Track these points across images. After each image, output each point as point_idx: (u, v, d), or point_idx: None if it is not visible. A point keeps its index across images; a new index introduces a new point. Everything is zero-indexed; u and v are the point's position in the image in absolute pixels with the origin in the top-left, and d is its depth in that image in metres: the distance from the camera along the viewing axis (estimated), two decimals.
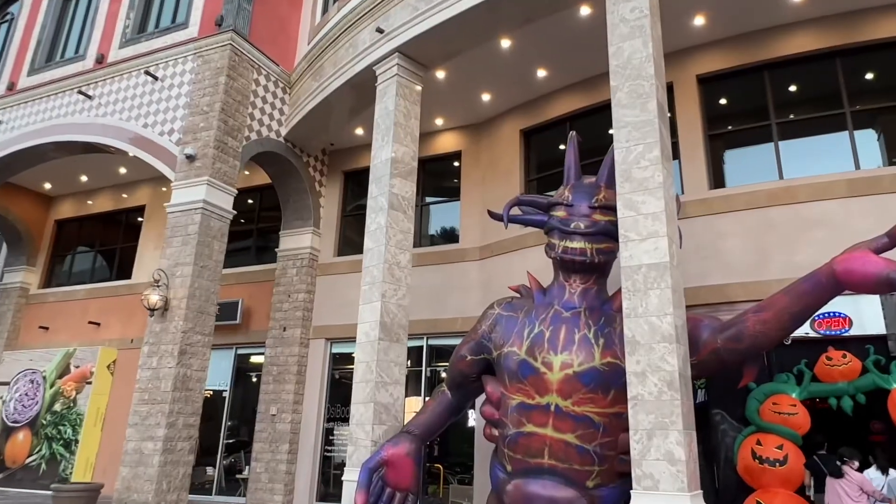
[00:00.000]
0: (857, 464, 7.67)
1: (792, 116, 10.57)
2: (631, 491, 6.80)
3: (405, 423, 9.87)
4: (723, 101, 11.30)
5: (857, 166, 9.76)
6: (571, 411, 7.91)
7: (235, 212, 13.17)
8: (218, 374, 15.67)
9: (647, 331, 7.20)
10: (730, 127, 11.16)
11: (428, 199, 15.14)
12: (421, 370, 13.33)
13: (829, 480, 8.23)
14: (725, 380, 8.99)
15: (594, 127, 11.85)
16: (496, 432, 8.51)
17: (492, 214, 9.52)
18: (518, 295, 9.35)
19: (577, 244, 8.52)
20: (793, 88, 10.79)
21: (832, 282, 6.75)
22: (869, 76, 10.25)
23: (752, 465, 8.27)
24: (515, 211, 9.40)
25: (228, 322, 15.44)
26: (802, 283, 7.09)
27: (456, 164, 14.72)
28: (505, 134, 13.75)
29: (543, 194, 10.45)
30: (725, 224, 10.18)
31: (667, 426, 6.81)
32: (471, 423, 12.36)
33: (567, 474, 7.77)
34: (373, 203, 10.92)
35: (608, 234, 8.49)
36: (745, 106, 11.09)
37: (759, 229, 9.87)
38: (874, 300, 8.97)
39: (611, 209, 8.41)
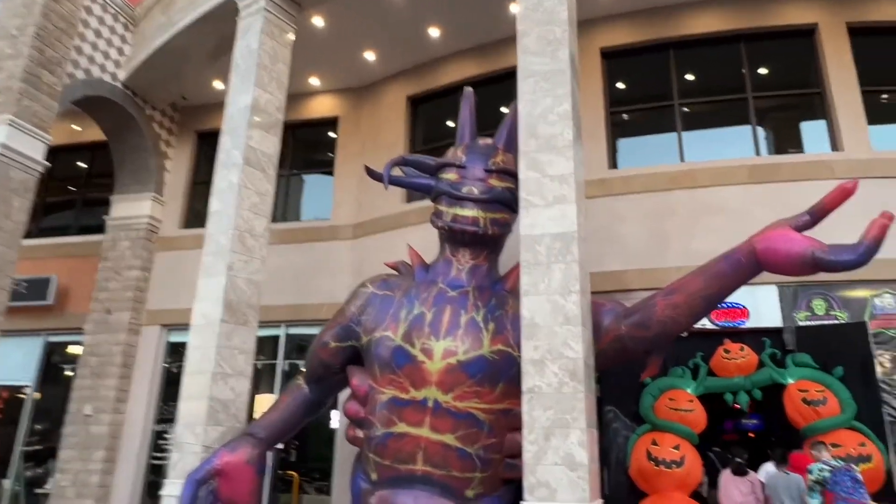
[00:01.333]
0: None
1: (695, 99, 10.12)
2: (521, 503, 5.57)
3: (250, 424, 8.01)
4: (626, 78, 10.66)
5: (758, 153, 9.42)
6: (452, 407, 6.59)
7: (49, 164, 10.55)
8: (17, 368, 12.65)
9: (548, 311, 6.06)
10: (632, 106, 10.52)
11: (297, 171, 13.28)
12: (277, 363, 11.43)
13: (726, 478, 7.67)
14: (621, 373, 8.13)
15: (490, 98, 10.71)
16: (361, 434, 6.98)
17: (370, 172, 8.00)
18: (396, 273, 7.90)
19: (468, 212, 7.25)
20: (697, 70, 10.37)
21: (752, 262, 5.99)
22: (770, 64, 10.01)
23: (647, 468, 7.41)
24: (398, 172, 7.95)
25: (36, 303, 12.54)
26: (719, 263, 6.30)
27: (332, 133, 13.01)
28: (390, 100, 12.29)
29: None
30: (624, 207, 9.43)
31: (568, 423, 5.67)
32: (333, 423, 10.66)
33: (444, 483, 6.42)
34: (225, 157, 8.97)
35: (505, 203, 7.31)
36: (648, 84, 10.53)
37: (658, 214, 9.21)
38: (771, 291, 8.55)
39: (509, 175, 7.24)
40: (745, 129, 9.60)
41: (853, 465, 5.88)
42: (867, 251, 5.31)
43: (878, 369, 7.76)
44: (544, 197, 6.46)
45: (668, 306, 6.56)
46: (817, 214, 6.00)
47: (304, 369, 8.14)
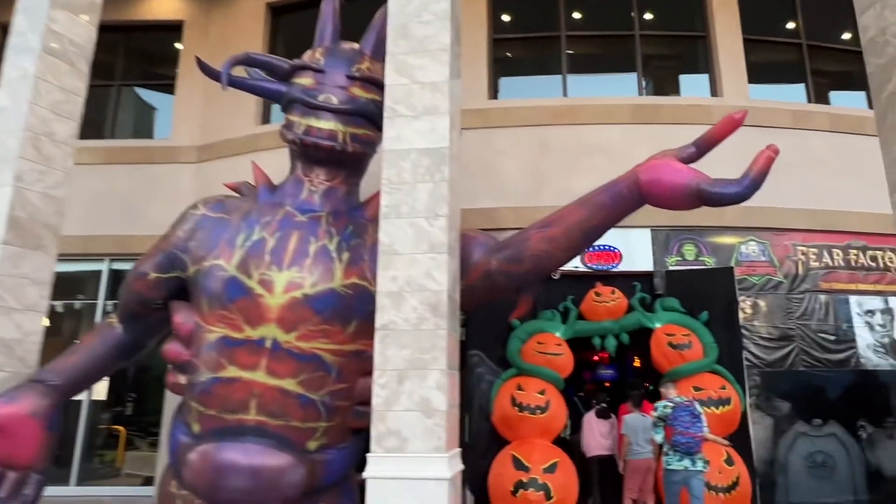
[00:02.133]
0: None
1: (582, 32, 9.53)
2: (367, 455, 4.75)
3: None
4: (512, 10, 9.85)
5: (641, 92, 9.07)
6: (295, 348, 5.60)
7: None
8: None
9: (410, 237, 5.20)
10: (517, 35, 9.76)
11: (131, 82, 11.26)
12: (97, 303, 9.71)
13: (589, 418, 7.46)
14: (488, 316, 7.52)
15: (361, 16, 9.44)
16: (183, 380, 5.78)
17: (203, 67, 6.61)
18: (237, 195, 6.66)
19: (325, 124, 6.18)
20: (586, 8, 9.77)
21: (635, 194, 5.49)
22: (657, 8, 9.65)
23: (511, 414, 6.90)
24: (241, 72, 6.62)
25: None
26: (600, 194, 5.75)
27: (177, 43, 11.10)
28: (247, 7, 10.63)
29: None
30: (502, 140, 8.74)
31: (426, 364, 4.89)
32: None
33: (281, 434, 5.46)
34: (18, 42, 7.05)
35: (368, 118, 6.30)
36: (535, 19, 9.78)
37: (537, 150, 8.62)
38: (644, 235, 8.29)
39: (376, 86, 6.22)
40: (631, 76, 9.21)
41: (693, 401, 5.86)
42: (753, 183, 4.97)
43: (740, 315, 7.76)
44: (413, 107, 5.52)
45: (544, 240, 5.95)
46: (703, 146, 5.58)
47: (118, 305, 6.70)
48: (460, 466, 5.09)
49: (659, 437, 5.62)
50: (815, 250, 8.30)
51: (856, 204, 8.45)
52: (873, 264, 8.38)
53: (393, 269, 5.15)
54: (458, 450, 5.12)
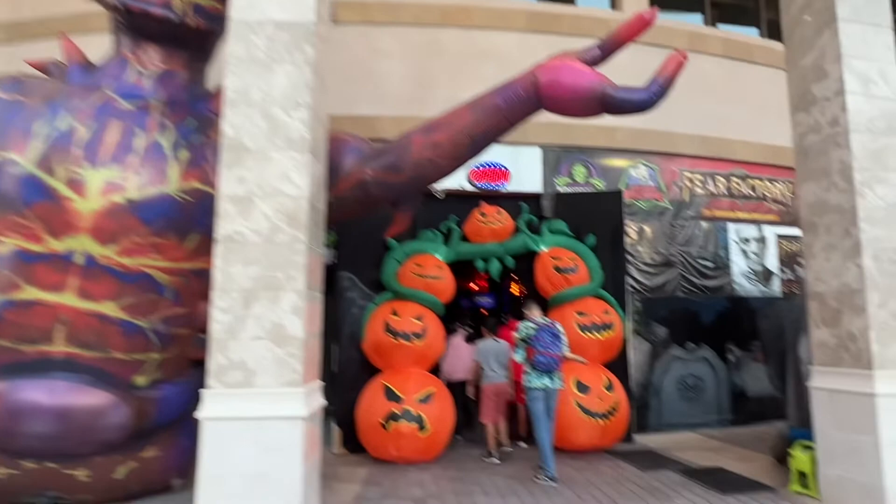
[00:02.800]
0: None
1: None
2: (203, 390, 3.93)
3: None
4: None
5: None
6: (116, 266, 4.60)
7: None
8: None
9: (263, 130, 4.27)
10: None
11: None
12: None
13: (456, 346, 7.03)
14: (361, 234, 6.73)
15: None
16: None
17: None
18: (42, 75, 5.29)
19: None
20: None
21: (532, 96, 4.88)
22: None
23: (385, 341, 6.27)
24: None
25: None
26: (492, 97, 5.08)
27: None
28: None
29: None
30: (385, 40, 7.72)
31: (280, 284, 4.06)
32: None
33: (98, 368, 4.49)
34: None
35: None
36: None
37: (424, 52, 7.72)
38: (534, 154, 7.75)
39: None
40: None
41: (556, 323, 5.66)
42: (661, 90, 4.52)
43: (625, 240, 7.53)
44: None
45: (427, 146, 5.21)
46: (609, 47, 5.01)
47: None
48: (320, 402, 4.38)
49: (520, 357, 5.48)
50: (700, 177, 8.20)
51: (741, 132, 8.40)
52: (752, 193, 8.45)
53: (240, 167, 4.17)
54: (317, 383, 4.40)
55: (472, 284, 18.21)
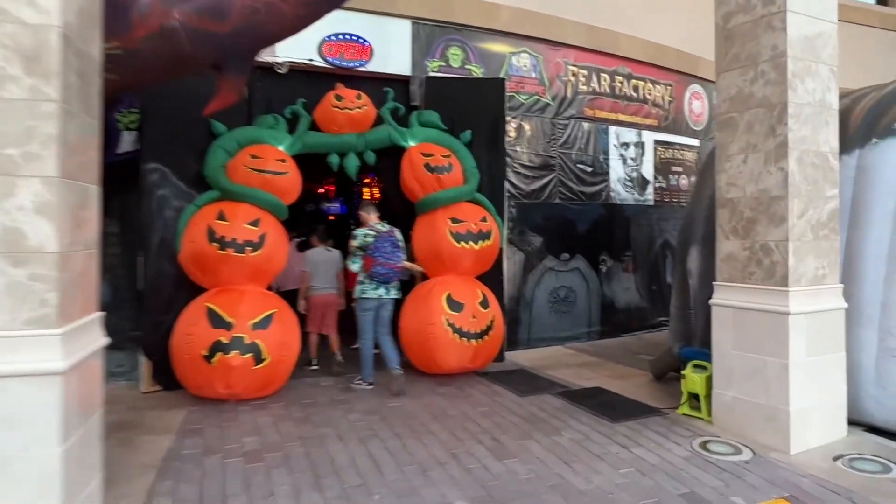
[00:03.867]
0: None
1: None
2: None
3: None
4: None
5: None
6: None
7: None
8: None
9: None
10: None
11: None
12: None
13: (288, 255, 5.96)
14: (172, 110, 5.08)
15: None
16: None
17: None
18: None
19: None
20: None
21: None
22: None
23: (208, 252, 4.86)
24: None
25: None
26: None
27: None
28: None
29: None
30: None
31: (12, 167, 2.53)
32: None
33: None
34: None
35: None
36: None
37: None
38: (404, 28, 6.36)
39: None
40: None
41: (395, 230, 5.27)
42: None
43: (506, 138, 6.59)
44: None
45: None
46: None
47: None
48: (99, 342, 3.01)
49: (356, 266, 5.14)
50: (585, 72, 7.37)
51: (629, 26, 7.63)
52: (634, 94, 7.84)
53: None
54: (94, 317, 2.99)
55: (318, 189, 16.68)
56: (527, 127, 6.93)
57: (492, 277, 6.09)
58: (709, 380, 4.42)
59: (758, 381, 3.99)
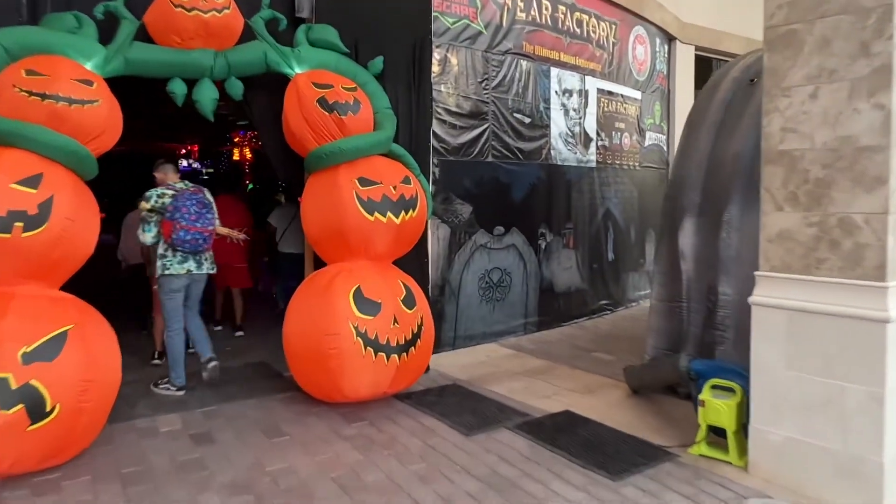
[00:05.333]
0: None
1: None
2: None
3: None
4: None
5: None
6: None
7: None
8: None
9: None
10: None
11: None
12: None
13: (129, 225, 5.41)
14: None
15: None
16: None
17: None
18: None
19: None
20: None
21: None
22: None
23: None
24: None
25: None
26: None
27: None
28: None
29: None
30: None
31: None
32: None
33: None
34: None
35: None
36: None
37: None
38: None
39: None
40: None
41: (203, 188, 4.39)
42: None
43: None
44: None
45: None
46: None
47: None
48: None
49: (150, 237, 4.21)
50: None
51: None
52: (577, 31, 6.38)
53: None
54: None
55: (179, 147, 14.43)
56: (453, 60, 5.25)
57: (411, 261, 4.46)
58: (740, 409, 3.10)
59: (829, 416, 2.70)
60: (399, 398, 4.07)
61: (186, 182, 4.36)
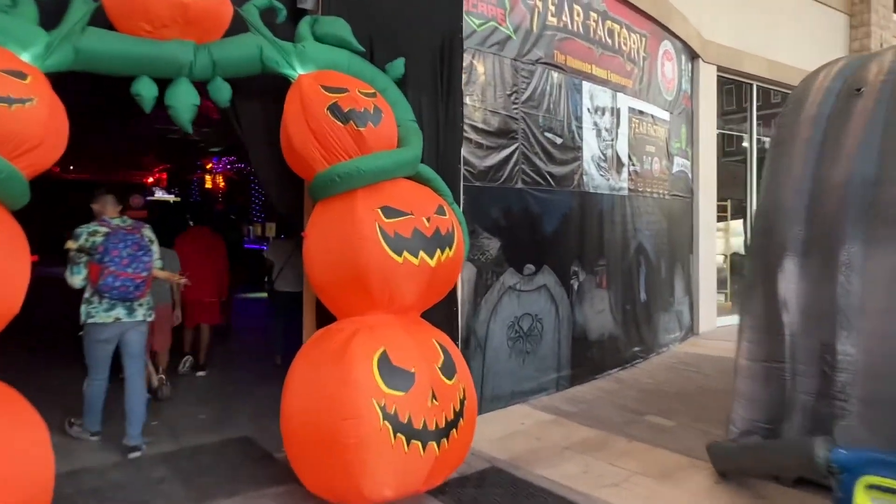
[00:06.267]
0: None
1: None
2: None
3: None
4: None
5: None
6: None
7: None
8: None
9: None
10: None
11: None
12: None
13: None
14: None
15: None
16: None
17: None
18: None
19: None
20: None
21: None
22: None
23: None
24: None
25: None
26: None
27: None
28: None
29: None
30: None
31: None
32: None
33: None
34: None
35: None
36: None
37: None
38: None
39: None
40: None
41: (144, 225, 3.91)
42: None
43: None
44: None
45: None
46: None
47: None
48: None
49: (78, 279, 3.66)
50: None
51: None
52: (609, 41, 5.66)
53: None
54: None
55: (145, 175, 13.84)
56: (480, 68, 4.44)
57: (437, 310, 3.57)
58: None
59: None
60: (432, 494, 3.13)
61: (125, 218, 3.88)
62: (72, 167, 12.70)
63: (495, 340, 4.61)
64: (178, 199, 13.82)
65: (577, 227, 5.29)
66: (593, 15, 5.44)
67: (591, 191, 5.45)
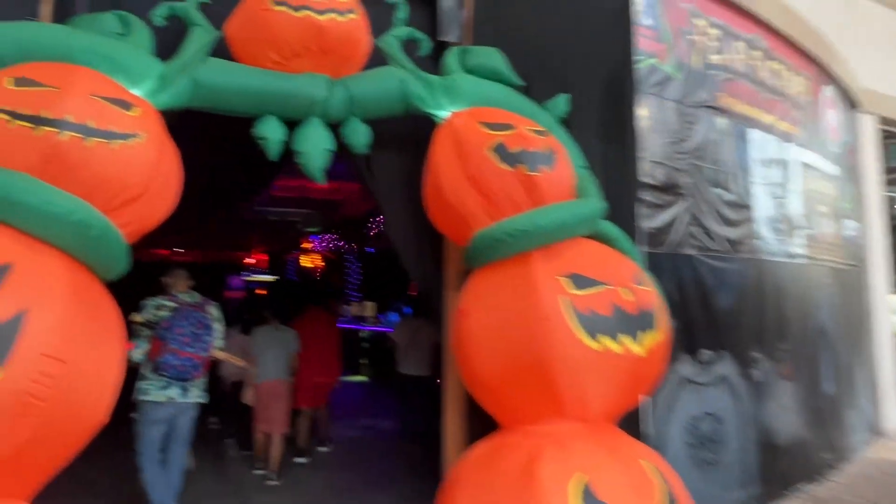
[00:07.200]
0: None
1: None
2: None
3: None
4: None
5: None
6: None
7: None
8: None
9: None
10: None
11: None
12: None
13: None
14: None
15: None
16: None
17: None
18: None
19: None
20: None
21: None
22: None
23: None
24: None
25: None
26: None
27: None
28: None
29: None
30: None
31: None
32: None
33: None
34: None
35: None
36: None
37: None
38: None
39: None
40: None
41: (210, 303, 3.72)
42: None
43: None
44: None
45: None
46: None
47: None
48: None
49: (138, 354, 3.46)
50: (716, 32, 4.33)
51: None
52: (773, 83, 4.85)
53: None
54: None
55: (245, 255, 13.88)
56: (644, 113, 3.74)
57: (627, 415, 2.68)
58: None
59: None
60: None
61: (194, 293, 3.75)
62: (181, 249, 12.54)
63: (673, 446, 3.61)
64: (277, 278, 13.64)
65: (754, 302, 4.29)
66: (756, 53, 4.66)
67: (766, 258, 4.48)
